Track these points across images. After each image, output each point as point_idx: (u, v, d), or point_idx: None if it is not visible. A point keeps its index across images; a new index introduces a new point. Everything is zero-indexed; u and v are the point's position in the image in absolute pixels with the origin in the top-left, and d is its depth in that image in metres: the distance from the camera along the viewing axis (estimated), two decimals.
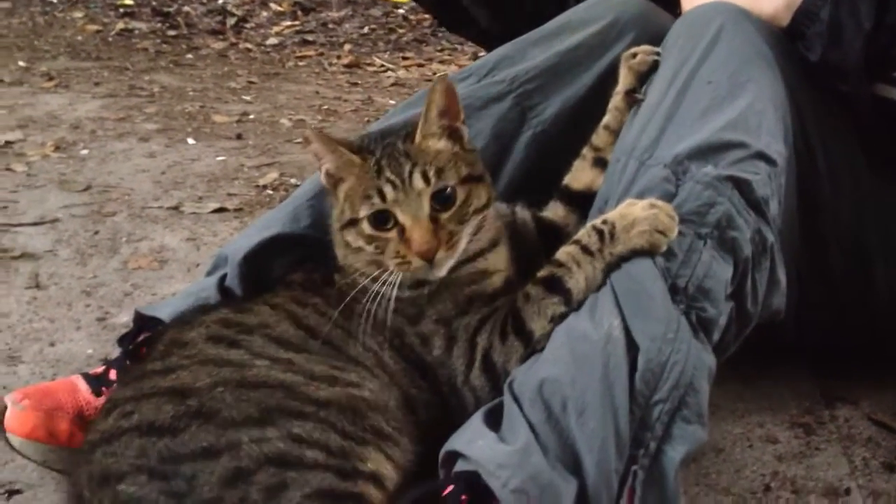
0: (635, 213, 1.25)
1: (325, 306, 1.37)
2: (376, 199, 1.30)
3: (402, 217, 1.29)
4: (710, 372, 1.22)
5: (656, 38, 1.53)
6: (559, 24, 1.67)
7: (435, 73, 4.25)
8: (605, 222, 1.29)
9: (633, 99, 1.49)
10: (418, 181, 1.30)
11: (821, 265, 1.57)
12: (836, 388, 1.72)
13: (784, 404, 1.68)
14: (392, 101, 3.93)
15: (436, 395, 1.34)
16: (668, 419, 1.16)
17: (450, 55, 4.91)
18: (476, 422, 1.20)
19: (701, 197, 1.26)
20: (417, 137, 1.34)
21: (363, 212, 1.31)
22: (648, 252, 1.24)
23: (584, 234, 1.30)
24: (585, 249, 1.29)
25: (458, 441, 1.16)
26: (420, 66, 4.69)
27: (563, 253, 1.31)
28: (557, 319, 1.27)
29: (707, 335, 1.23)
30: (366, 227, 1.32)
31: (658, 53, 1.50)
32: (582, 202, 1.50)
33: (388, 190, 1.29)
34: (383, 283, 1.32)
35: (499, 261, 1.41)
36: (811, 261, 1.54)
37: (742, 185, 1.28)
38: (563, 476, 1.11)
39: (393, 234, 1.30)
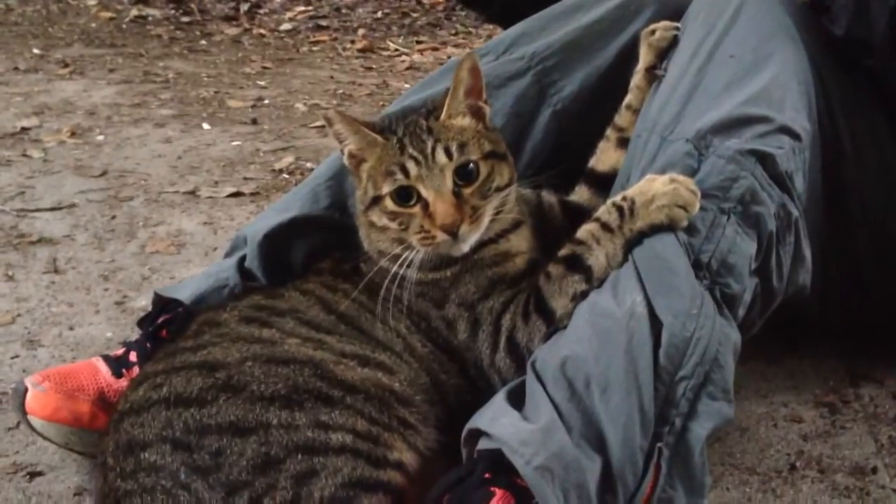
0: (655, 189, 1.24)
1: (353, 292, 1.37)
2: (399, 175, 1.29)
3: (426, 192, 1.29)
4: (736, 348, 1.21)
5: (675, 14, 1.51)
6: (577, 0, 1.65)
7: (449, 57, 4.22)
8: (624, 199, 1.27)
9: (653, 75, 1.47)
10: (441, 156, 1.29)
11: (846, 243, 1.54)
12: (860, 366, 1.70)
13: (808, 384, 1.66)
14: (407, 85, 3.91)
15: (465, 380, 1.33)
16: (693, 395, 1.15)
17: (464, 38, 4.88)
18: (499, 400, 1.18)
19: (724, 171, 1.25)
20: (443, 115, 1.33)
21: (386, 188, 1.30)
22: (668, 227, 1.22)
23: (605, 211, 1.29)
24: (605, 226, 1.27)
25: (480, 419, 1.15)
26: (434, 49, 4.66)
27: (584, 231, 1.30)
28: (579, 297, 1.26)
29: (731, 311, 1.22)
30: (389, 203, 1.31)
31: (678, 29, 1.48)
32: (608, 184, 1.48)
33: (411, 166, 1.29)
34: (405, 264, 1.31)
35: (521, 242, 1.40)
36: (836, 238, 1.52)
37: (766, 160, 1.26)
38: (588, 454, 1.10)
39: (416, 209, 1.30)
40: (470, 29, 5.02)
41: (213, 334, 1.28)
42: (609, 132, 1.54)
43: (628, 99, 1.52)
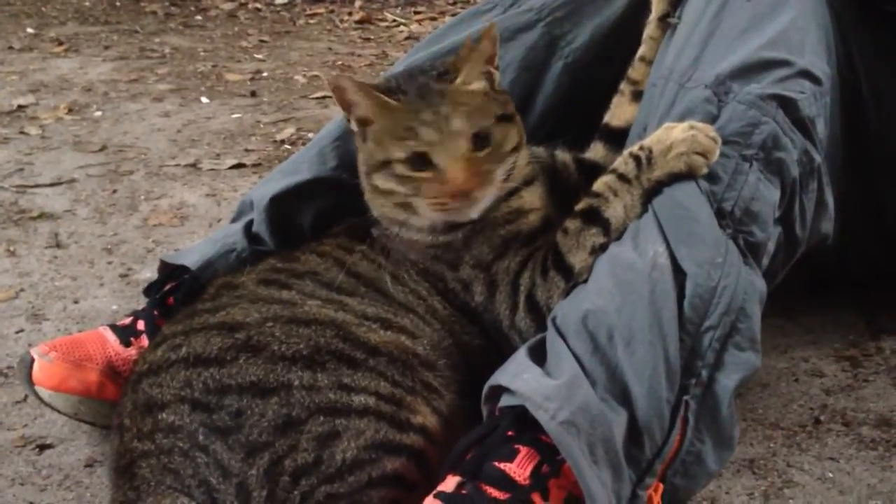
0: (674, 137, 1.20)
1: (371, 253, 1.33)
2: (412, 141, 1.24)
3: (439, 158, 1.23)
4: (762, 297, 1.17)
5: None
6: None
7: None
8: (641, 148, 1.23)
9: (667, 24, 1.43)
10: (456, 122, 1.23)
11: (866, 191, 1.51)
12: (880, 319, 1.68)
13: (828, 338, 1.63)
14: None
15: (488, 340, 1.30)
16: (719, 346, 1.11)
17: (462, 7, 4.82)
18: (520, 356, 1.15)
19: (745, 117, 1.21)
20: (458, 80, 1.27)
21: (397, 153, 1.25)
22: (688, 175, 1.18)
23: (621, 161, 1.25)
24: (622, 177, 1.23)
25: (502, 376, 1.12)
26: (433, 19, 4.61)
27: (600, 183, 1.26)
28: (598, 250, 1.22)
29: (756, 260, 1.18)
30: (400, 167, 1.26)
31: None
32: (623, 139, 1.43)
33: (425, 131, 1.23)
34: (410, 229, 1.28)
35: (534, 199, 1.35)
36: (856, 187, 1.48)
37: (787, 104, 1.22)
38: (613, 407, 1.07)
39: (428, 174, 1.25)
40: None
41: (231, 296, 1.24)
42: (623, 86, 1.50)
43: (642, 50, 1.48)
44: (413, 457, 1.10)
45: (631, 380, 1.08)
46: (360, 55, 3.92)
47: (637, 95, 1.46)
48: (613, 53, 1.51)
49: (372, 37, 4.31)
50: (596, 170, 1.42)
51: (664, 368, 1.09)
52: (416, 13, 4.73)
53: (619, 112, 1.50)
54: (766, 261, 1.20)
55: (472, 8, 1.64)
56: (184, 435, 1.05)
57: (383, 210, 1.33)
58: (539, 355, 1.16)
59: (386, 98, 1.27)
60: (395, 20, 4.58)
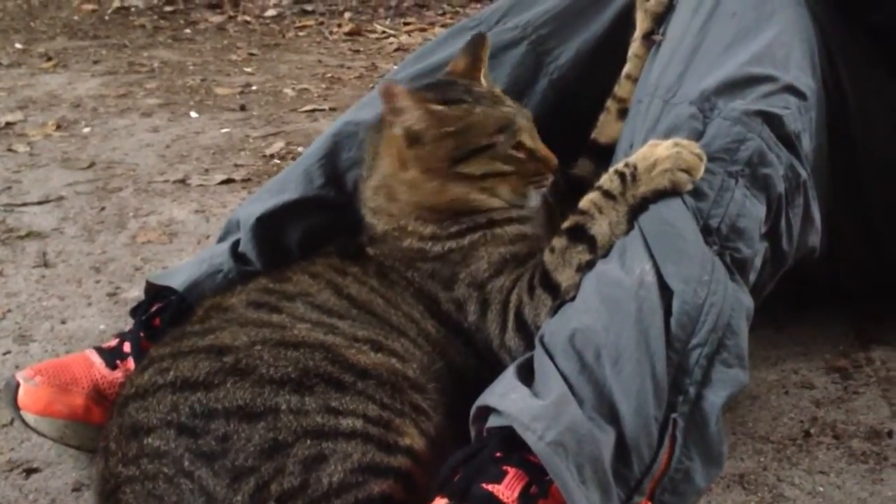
0: (658, 153, 1.20)
1: (363, 276, 1.33)
2: (514, 127, 1.32)
3: (529, 140, 1.33)
4: (749, 313, 1.17)
5: None
6: None
7: None
8: (627, 165, 1.23)
9: (651, 42, 1.43)
10: (528, 112, 1.37)
11: (853, 204, 1.51)
12: (869, 330, 1.68)
13: (818, 349, 1.63)
14: (397, 67, 3.86)
15: (480, 362, 1.29)
16: (707, 363, 1.11)
17: (451, 19, 4.82)
18: (508, 376, 1.14)
19: (730, 133, 1.21)
20: (486, 84, 1.40)
21: (503, 139, 1.31)
22: (672, 192, 1.18)
23: (607, 178, 1.25)
24: (607, 194, 1.23)
25: (490, 396, 1.11)
26: (422, 30, 4.61)
27: (586, 200, 1.26)
28: (585, 268, 1.22)
29: (743, 276, 1.18)
30: (508, 150, 1.32)
31: None
32: (611, 156, 1.44)
33: (517, 118, 1.33)
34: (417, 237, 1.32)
35: (538, 227, 1.37)
36: (843, 200, 1.48)
37: (772, 120, 1.22)
38: (601, 426, 1.06)
39: (524, 155, 1.33)
40: (457, 9, 4.97)
41: (220, 319, 1.24)
42: (610, 103, 1.51)
43: (627, 68, 1.48)
44: (400, 479, 1.09)
45: (619, 398, 1.08)
46: (349, 67, 3.92)
47: (623, 113, 1.46)
48: (599, 70, 1.51)
49: (361, 49, 4.31)
50: (584, 186, 1.43)
51: (652, 386, 1.08)
52: (406, 24, 4.74)
53: (605, 129, 1.50)
54: (752, 277, 1.20)
55: (458, 24, 1.65)
56: (169, 460, 1.04)
57: (438, 201, 1.33)
58: (527, 374, 1.15)
59: (446, 109, 1.30)
60: (384, 32, 4.58)
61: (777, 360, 1.60)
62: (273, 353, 1.13)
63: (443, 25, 4.68)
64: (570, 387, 1.09)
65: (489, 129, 1.31)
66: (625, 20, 1.50)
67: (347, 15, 4.87)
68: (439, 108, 1.30)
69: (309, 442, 1.05)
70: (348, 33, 4.54)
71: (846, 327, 1.69)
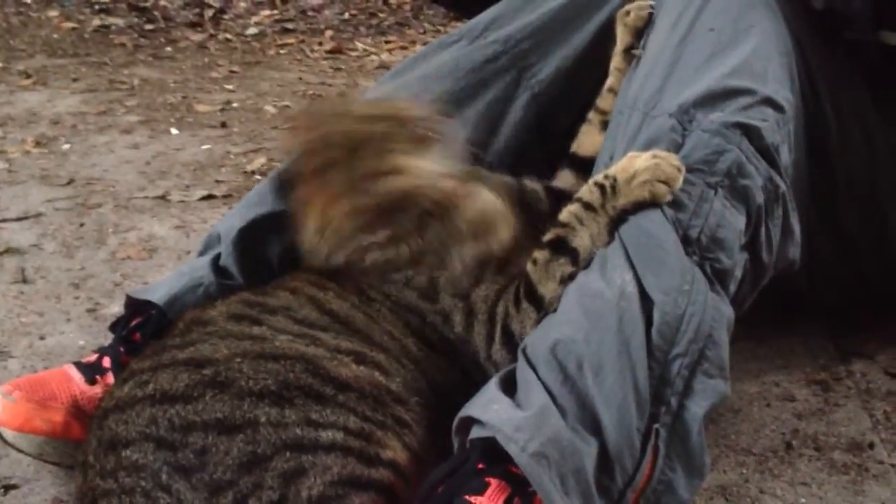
0: (637, 165, 1.21)
1: (343, 292, 1.33)
2: None
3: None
4: (729, 324, 1.18)
5: None
6: None
7: None
8: (606, 177, 1.24)
9: (631, 56, 1.45)
10: None
11: (832, 216, 1.52)
12: (850, 343, 1.69)
13: (799, 362, 1.64)
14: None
15: (464, 377, 1.29)
16: (688, 373, 1.12)
17: (432, 37, 4.84)
18: (491, 388, 1.14)
19: (709, 145, 1.22)
20: None
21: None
22: (651, 203, 1.19)
23: (586, 190, 1.26)
24: (588, 206, 1.24)
25: (472, 407, 1.11)
26: (403, 48, 4.62)
27: (566, 212, 1.27)
28: (567, 280, 1.23)
29: (723, 287, 1.19)
30: None
31: (652, 7, 1.45)
32: (591, 168, 1.44)
33: None
34: None
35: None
36: (823, 212, 1.50)
37: (751, 132, 1.23)
38: (583, 437, 1.06)
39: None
40: (438, 27, 4.98)
41: (200, 332, 1.23)
42: (591, 115, 1.52)
43: (609, 82, 1.50)
44: (382, 492, 1.08)
45: (601, 409, 1.08)
46: (331, 85, 3.93)
47: (605, 125, 1.47)
48: (580, 83, 1.52)
49: (343, 66, 4.31)
50: (566, 198, 1.43)
51: (634, 397, 1.09)
52: (387, 42, 4.75)
53: (586, 141, 1.51)
54: (733, 287, 1.21)
55: (439, 39, 1.65)
56: (147, 474, 1.03)
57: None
58: (510, 386, 1.15)
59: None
60: (365, 49, 4.59)
61: (758, 372, 1.61)
62: (253, 366, 1.12)
63: (423, 43, 4.70)
64: (553, 398, 1.09)
65: None
66: (605, 35, 1.51)
67: (329, 33, 4.88)
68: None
69: (288, 455, 1.05)
70: (329, 51, 4.54)
71: (826, 340, 1.70)
